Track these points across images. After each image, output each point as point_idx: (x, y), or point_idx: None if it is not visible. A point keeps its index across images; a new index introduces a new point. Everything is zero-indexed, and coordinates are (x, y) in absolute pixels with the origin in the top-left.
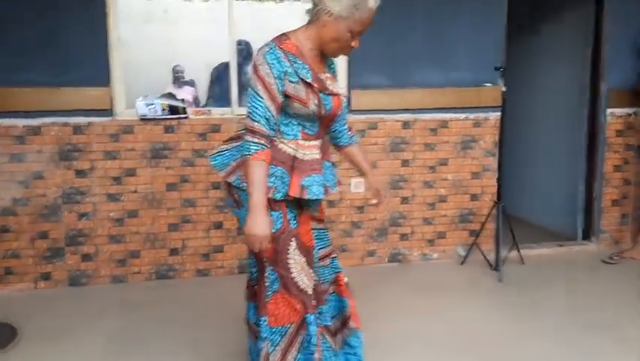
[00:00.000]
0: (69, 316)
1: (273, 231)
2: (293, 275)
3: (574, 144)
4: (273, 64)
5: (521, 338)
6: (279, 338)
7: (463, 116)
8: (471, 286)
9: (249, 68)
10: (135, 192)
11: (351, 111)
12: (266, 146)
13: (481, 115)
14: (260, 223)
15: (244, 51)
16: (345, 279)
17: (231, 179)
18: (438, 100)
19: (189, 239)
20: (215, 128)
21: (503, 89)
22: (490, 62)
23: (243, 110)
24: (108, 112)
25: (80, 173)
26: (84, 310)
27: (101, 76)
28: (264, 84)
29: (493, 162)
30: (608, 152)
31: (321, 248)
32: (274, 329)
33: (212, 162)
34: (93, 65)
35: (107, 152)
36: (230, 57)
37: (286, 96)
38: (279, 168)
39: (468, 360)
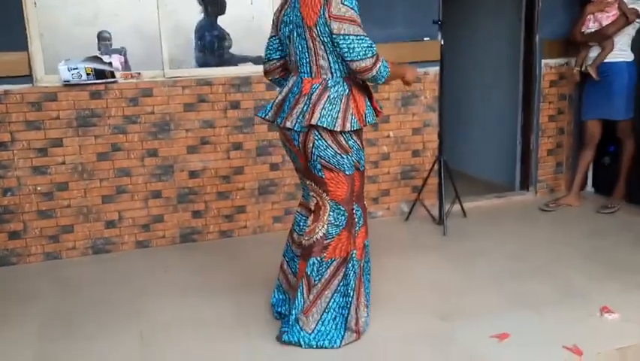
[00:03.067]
0: None
1: (363, 168)
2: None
3: (511, 96)
4: (354, 7)
5: (467, 288)
6: (356, 275)
7: None
8: (416, 241)
9: (332, 14)
10: (63, 163)
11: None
12: (382, 57)
13: (421, 70)
14: (411, 68)
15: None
16: None
17: (347, 127)
18: None
19: (126, 210)
20: (147, 93)
21: (442, 43)
22: (429, 16)
23: (176, 73)
24: (27, 78)
25: (0, 146)
26: (15, 293)
27: (16, 40)
28: (359, 24)
29: (434, 118)
30: (543, 102)
31: None
32: (360, 262)
33: (323, 125)
34: (6, 27)
35: (29, 122)
36: (160, 20)
37: None
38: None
39: (415, 314)
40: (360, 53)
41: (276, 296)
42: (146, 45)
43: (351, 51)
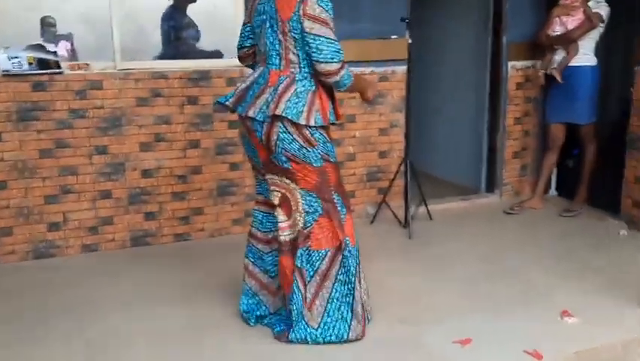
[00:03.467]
0: None
1: (334, 160)
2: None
3: (477, 98)
4: (329, 10)
5: (432, 293)
6: (356, 261)
7: (369, 70)
8: (381, 244)
9: (307, 13)
10: (1, 160)
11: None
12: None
13: (388, 69)
14: (373, 83)
15: None
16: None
17: (312, 122)
18: None
19: (72, 212)
20: (96, 85)
21: (409, 41)
22: (396, 14)
23: (126, 65)
24: None
25: None
26: None
27: None
28: (331, 27)
29: (401, 118)
30: (509, 105)
31: None
32: (355, 248)
33: (288, 116)
34: None
35: None
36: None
37: None
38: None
39: (379, 319)
40: (328, 56)
41: (246, 302)
42: (95, 33)
43: (318, 52)
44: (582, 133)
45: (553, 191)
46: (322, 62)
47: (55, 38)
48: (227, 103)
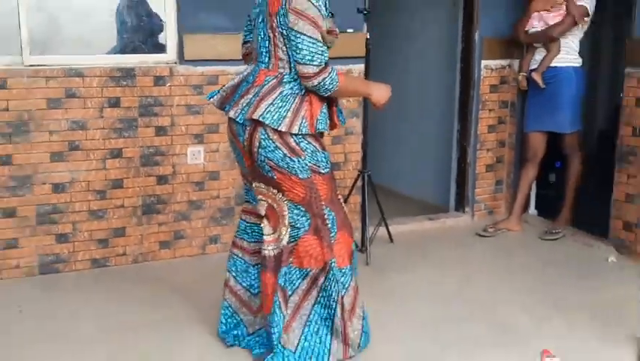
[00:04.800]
0: None
1: (327, 171)
2: (345, 211)
3: (446, 102)
4: (320, 6)
5: (390, 332)
6: (349, 279)
7: None
8: None
9: (292, 7)
10: None
11: (185, 62)
12: (334, 69)
13: (343, 67)
14: (383, 86)
15: None
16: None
17: (294, 129)
18: None
19: None
20: None
21: (368, 35)
22: (352, 3)
23: (36, 60)
24: None
25: None
26: None
27: None
28: (317, 25)
29: (357, 124)
30: (482, 110)
31: None
32: (344, 270)
33: (266, 121)
34: None
35: None
36: None
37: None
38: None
39: None
40: (307, 57)
41: (224, 321)
42: None
43: (298, 51)
44: (565, 144)
45: (532, 210)
46: (300, 63)
47: None
48: (211, 101)
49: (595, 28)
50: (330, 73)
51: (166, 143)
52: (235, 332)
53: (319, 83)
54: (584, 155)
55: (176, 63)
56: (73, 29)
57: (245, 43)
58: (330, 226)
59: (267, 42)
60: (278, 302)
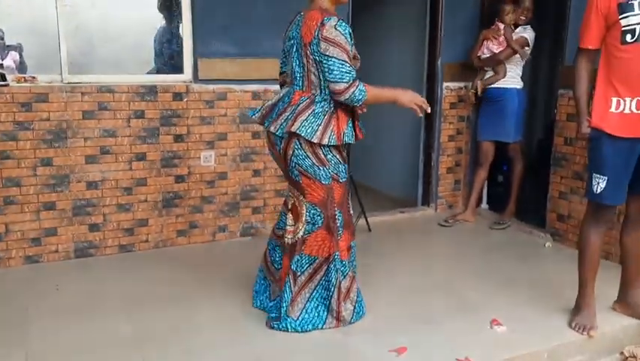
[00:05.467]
0: None
1: (344, 180)
2: (351, 214)
3: (414, 116)
4: (346, 35)
5: (368, 304)
6: (347, 269)
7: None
8: None
9: (324, 35)
10: None
11: (199, 81)
12: (361, 82)
13: None
14: (409, 92)
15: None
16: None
17: (325, 141)
18: None
19: (14, 223)
20: (42, 98)
21: None
22: None
23: (73, 78)
24: None
25: None
26: None
27: None
28: (346, 50)
29: None
30: (444, 123)
31: None
32: (344, 262)
33: (302, 133)
34: None
35: None
36: (59, 18)
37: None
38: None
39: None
40: (337, 76)
41: (258, 281)
42: (42, 46)
43: (329, 72)
44: (510, 150)
45: (484, 205)
46: (332, 82)
47: (3, 50)
48: (254, 117)
49: (534, 58)
50: (357, 86)
51: (183, 148)
52: (261, 298)
53: (350, 96)
54: (526, 160)
55: (191, 82)
56: (106, 52)
57: (281, 73)
58: (338, 225)
59: (302, 68)
60: (289, 283)
